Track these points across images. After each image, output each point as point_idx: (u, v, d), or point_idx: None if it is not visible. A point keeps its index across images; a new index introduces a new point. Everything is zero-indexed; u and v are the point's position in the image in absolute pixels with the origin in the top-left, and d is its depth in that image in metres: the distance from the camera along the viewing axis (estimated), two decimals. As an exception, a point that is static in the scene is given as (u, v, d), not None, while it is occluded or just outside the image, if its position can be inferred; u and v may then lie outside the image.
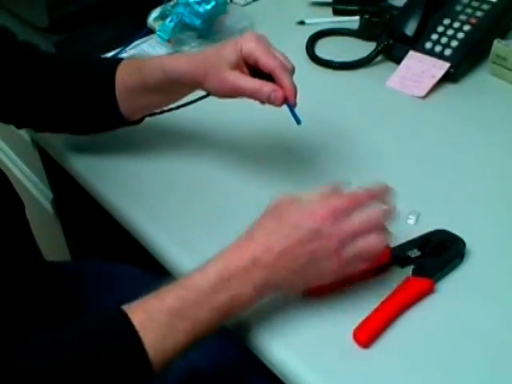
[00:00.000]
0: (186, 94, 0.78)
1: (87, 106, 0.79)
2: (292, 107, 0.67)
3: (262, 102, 0.67)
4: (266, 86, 0.66)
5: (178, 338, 0.55)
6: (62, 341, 0.55)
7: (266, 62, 0.66)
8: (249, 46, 0.67)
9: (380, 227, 0.60)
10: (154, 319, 0.55)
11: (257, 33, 0.69)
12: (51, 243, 1.11)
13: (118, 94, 0.76)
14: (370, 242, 0.59)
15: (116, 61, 0.78)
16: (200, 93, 0.77)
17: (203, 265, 0.58)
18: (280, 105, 0.66)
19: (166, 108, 0.83)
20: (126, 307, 0.56)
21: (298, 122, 0.68)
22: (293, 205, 0.60)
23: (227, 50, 0.68)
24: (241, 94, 0.68)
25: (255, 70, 0.68)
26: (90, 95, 0.78)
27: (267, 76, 0.67)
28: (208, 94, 0.75)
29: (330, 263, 0.59)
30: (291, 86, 0.66)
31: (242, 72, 0.68)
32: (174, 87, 0.74)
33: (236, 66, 0.68)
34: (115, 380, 0.54)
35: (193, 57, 0.72)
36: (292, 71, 0.68)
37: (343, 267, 0.59)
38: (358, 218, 0.59)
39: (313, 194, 0.60)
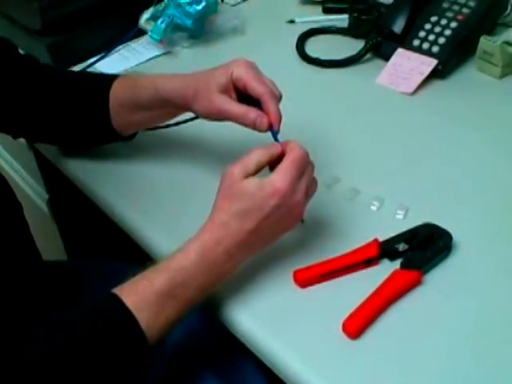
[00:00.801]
0: (176, 115, 0.80)
1: (81, 120, 0.81)
2: (275, 134, 0.69)
3: (247, 126, 0.69)
4: (251, 112, 0.68)
5: (170, 314, 0.61)
6: (60, 327, 0.59)
7: (255, 87, 0.68)
8: (240, 70, 0.69)
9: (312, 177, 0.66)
10: (146, 300, 0.59)
11: (248, 60, 0.71)
12: (47, 243, 1.12)
13: (111, 109, 0.78)
14: (314, 189, 0.67)
15: (111, 77, 0.80)
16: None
17: (184, 246, 0.63)
18: (265, 131, 0.68)
19: (161, 125, 0.85)
20: (117, 290, 0.60)
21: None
22: (251, 183, 0.63)
23: (218, 73, 0.70)
24: (226, 118, 0.70)
25: (243, 97, 0.70)
26: (84, 110, 0.80)
27: (254, 103, 0.69)
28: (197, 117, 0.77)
29: (293, 217, 0.65)
30: (277, 113, 0.68)
31: (230, 97, 0.70)
32: (164, 106, 0.76)
33: (225, 90, 0.70)
34: (114, 357, 0.59)
35: (185, 77, 0.74)
36: (279, 98, 0.70)
37: (301, 214, 0.66)
38: (306, 178, 0.64)
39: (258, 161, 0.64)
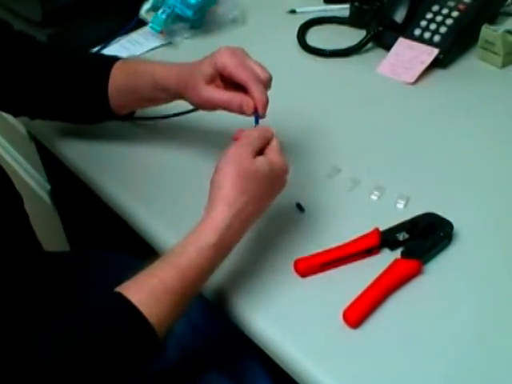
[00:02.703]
0: (171, 101, 0.80)
1: (79, 97, 0.81)
2: (257, 118, 0.69)
3: (235, 111, 0.70)
4: (235, 97, 0.69)
5: (180, 310, 0.60)
6: (69, 329, 0.57)
7: (238, 74, 0.69)
8: (223, 60, 0.70)
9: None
10: (155, 297, 0.58)
11: (232, 47, 0.71)
12: (50, 234, 1.12)
13: (109, 90, 0.79)
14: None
15: (112, 59, 0.81)
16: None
17: (195, 240, 0.61)
18: (250, 114, 0.68)
19: (160, 116, 0.87)
20: (123, 290, 0.58)
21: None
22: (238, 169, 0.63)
23: (203, 65, 0.71)
24: (215, 107, 0.71)
25: (234, 85, 0.70)
26: (83, 87, 0.80)
27: (244, 89, 0.69)
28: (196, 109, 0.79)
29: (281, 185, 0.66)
30: (261, 98, 0.68)
31: (217, 86, 0.71)
32: (161, 95, 0.77)
33: (211, 80, 0.71)
34: (126, 358, 0.57)
35: (180, 68, 0.75)
36: (267, 81, 0.70)
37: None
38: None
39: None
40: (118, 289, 0.58)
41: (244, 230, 0.63)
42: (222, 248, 0.61)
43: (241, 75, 0.69)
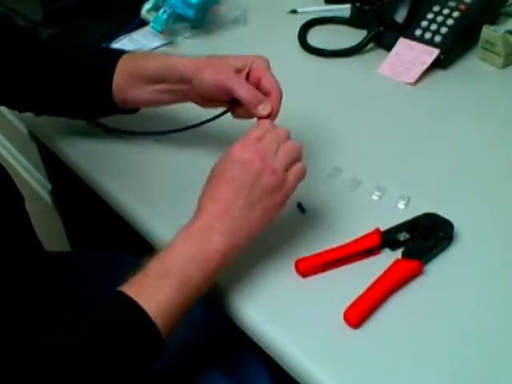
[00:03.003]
0: (177, 99, 0.79)
1: (83, 90, 0.81)
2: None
3: (248, 105, 0.70)
4: (260, 95, 0.70)
5: (181, 317, 0.61)
6: (71, 325, 0.57)
7: (271, 81, 0.71)
8: (261, 62, 0.72)
9: (299, 157, 0.67)
10: (161, 307, 0.59)
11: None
12: (51, 234, 1.13)
13: (114, 83, 0.78)
14: (299, 171, 0.66)
15: (119, 52, 0.81)
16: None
17: (202, 261, 0.61)
18: (261, 116, 0.69)
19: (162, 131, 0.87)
20: (127, 291, 0.59)
21: None
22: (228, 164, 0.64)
23: (236, 58, 0.73)
24: (230, 88, 0.70)
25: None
26: (87, 80, 0.80)
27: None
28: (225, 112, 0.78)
29: (276, 198, 0.64)
30: (278, 108, 0.70)
31: None
32: (170, 79, 0.76)
33: (238, 71, 0.72)
34: (130, 353, 0.58)
35: (201, 58, 0.75)
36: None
37: (286, 197, 0.65)
38: (282, 153, 0.65)
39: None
40: (126, 291, 0.59)
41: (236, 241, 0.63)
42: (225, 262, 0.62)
43: (273, 84, 0.70)
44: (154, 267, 0.61)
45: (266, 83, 0.71)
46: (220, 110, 0.79)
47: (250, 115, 0.72)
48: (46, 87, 0.81)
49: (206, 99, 0.75)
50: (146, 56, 0.79)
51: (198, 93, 0.74)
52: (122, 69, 0.78)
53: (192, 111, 0.80)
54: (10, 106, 0.84)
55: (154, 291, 0.59)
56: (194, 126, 0.86)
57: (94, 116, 0.86)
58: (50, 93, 0.81)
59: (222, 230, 0.62)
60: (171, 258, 0.62)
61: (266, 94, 0.70)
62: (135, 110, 0.84)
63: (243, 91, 0.70)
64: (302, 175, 0.66)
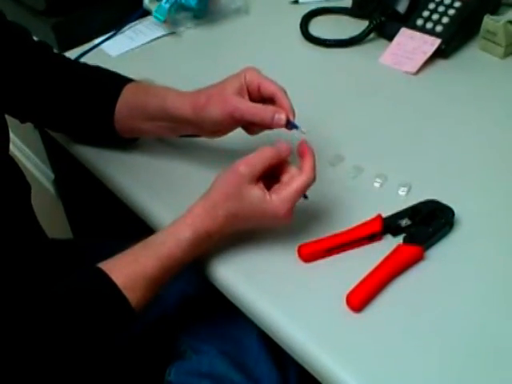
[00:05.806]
0: (178, 132, 0.80)
1: (86, 111, 0.81)
2: (294, 124, 0.71)
3: (264, 122, 0.70)
4: (269, 108, 0.71)
5: (157, 291, 0.66)
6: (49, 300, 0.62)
7: (269, 85, 0.71)
8: (251, 74, 0.72)
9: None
10: (137, 283, 0.63)
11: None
12: (53, 223, 1.13)
13: (117, 111, 0.79)
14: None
15: (124, 80, 0.81)
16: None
17: (176, 232, 0.65)
18: (283, 125, 0.70)
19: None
20: (106, 269, 0.63)
21: (299, 129, 0.71)
22: (255, 193, 0.65)
23: (230, 80, 0.73)
24: (242, 116, 0.71)
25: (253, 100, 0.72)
26: (91, 101, 0.80)
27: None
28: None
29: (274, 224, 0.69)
30: (291, 107, 0.71)
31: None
32: (169, 118, 0.76)
33: (239, 93, 0.72)
34: (102, 325, 0.63)
35: (196, 91, 0.75)
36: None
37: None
38: (296, 185, 0.66)
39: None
40: (100, 265, 0.63)
41: (220, 234, 0.66)
42: (196, 244, 0.65)
43: (272, 87, 0.71)
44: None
45: (265, 87, 0.71)
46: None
47: (266, 128, 0.72)
48: (51, 102, 0.81)
49: (214, 132, 0.75)
50: (148, 90, 0.78)
51: (202, 128, 0.75)
52: (126, 97, 0.79)
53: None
54: (13, 115, 0.84)
55: (128, 263, 0.64)
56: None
57: (92, 139, 0.86)
58: (54, 108, 0.82)
59: (198, 212, 0.66)
60: (152, 236, 0.66)
61: (270, 96, 0.71)
62: (135, 139, 0.84)
63: (254, 114, 0.70)
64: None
